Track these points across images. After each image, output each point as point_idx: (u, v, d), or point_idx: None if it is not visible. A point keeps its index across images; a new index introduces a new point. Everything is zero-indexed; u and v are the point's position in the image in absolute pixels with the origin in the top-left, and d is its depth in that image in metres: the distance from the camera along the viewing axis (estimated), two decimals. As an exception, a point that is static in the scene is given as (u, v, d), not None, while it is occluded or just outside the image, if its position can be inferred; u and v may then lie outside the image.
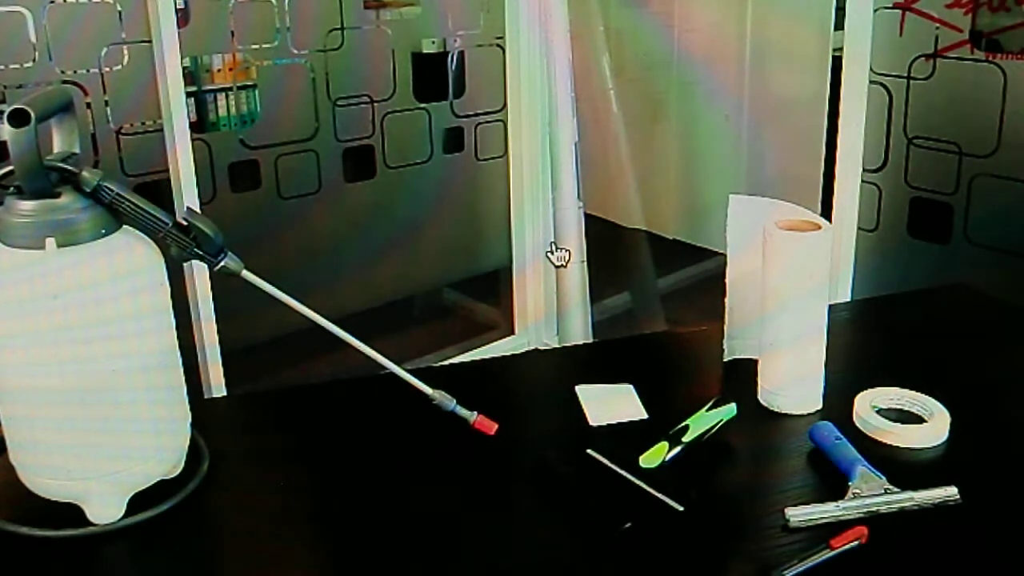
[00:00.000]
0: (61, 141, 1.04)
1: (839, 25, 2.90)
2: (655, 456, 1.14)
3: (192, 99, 2.77)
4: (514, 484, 1.15)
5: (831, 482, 1.09)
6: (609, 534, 1.01)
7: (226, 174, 2.62)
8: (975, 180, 2.45)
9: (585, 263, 3.12)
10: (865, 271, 2.72)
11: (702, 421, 1.19)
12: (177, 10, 2.34)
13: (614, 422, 1.25)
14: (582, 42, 3.28)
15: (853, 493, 1.06)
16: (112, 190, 0.99)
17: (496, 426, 1.19)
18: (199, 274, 2.41)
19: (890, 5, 2.51)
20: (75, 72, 2.29)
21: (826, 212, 2.75)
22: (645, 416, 1.27)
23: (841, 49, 2.64)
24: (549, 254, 3.11)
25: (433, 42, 3.06)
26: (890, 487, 1.06)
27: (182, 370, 1.11)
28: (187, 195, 2.39)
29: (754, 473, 1.21)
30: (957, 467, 1.14)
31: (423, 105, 3.02)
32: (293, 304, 1.14)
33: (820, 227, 1.24)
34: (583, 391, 1.32)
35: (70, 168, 0.99)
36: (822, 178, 3.54)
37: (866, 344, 1.55)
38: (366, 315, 2.84)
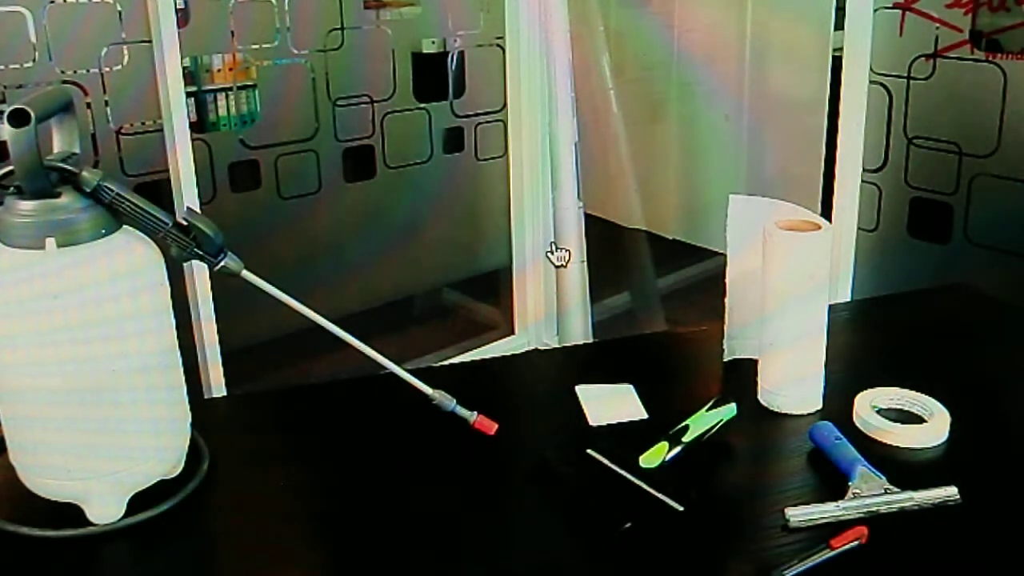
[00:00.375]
0: (61, 141, 1.04)
1: (839, 25, 2.90)
2: (655, 456, 1.13)
3: (192, 99, 2.77)
4: (514, 484, 1.15)
5: (831, 482, 1.09)
6: (609, 534, 1.01)
7: (226, 174, 2.63)
8: (975, 180, 2.46)
9: (585, 263, 3.12)
10: (865, 271, 2.72)
11: (702, 421, 1.19)
12: (177, 10, 2.34)
13: (614, 422, 1.25)
14: (582, 42, 3.28)
15: (853, 493, 1.06)
16: (112, 190, 0.99)
17: (496, 426, 1.19)
18: (199, 274, 2.41)
19: (890, 5, 2.51)
20: (75, 72, 2.29)
21: (826, 212, 2.75)
22: (645, 416, 1.27)
23: (841, 49, 2.64)
24: (549, 254, 3.11)
25: (433, 42, 3.06)
26: (890, 487, 1.06)
27: (182, 370, 1.11)
28: (187, 195, 2.39)
29: (754, 473, 1.21)
30: (957, 467, 1.14)
31: (423, 105, 3.02)
32: (293, 304, 1.14)
33: (820, 227, 1.24)
34: (583, 391, 1.32)
35: (70, 168, 0.99)
36: (822, 178, 3.54)
37: (866, 344, 1.55)
38: (366, 315, 2.84)
